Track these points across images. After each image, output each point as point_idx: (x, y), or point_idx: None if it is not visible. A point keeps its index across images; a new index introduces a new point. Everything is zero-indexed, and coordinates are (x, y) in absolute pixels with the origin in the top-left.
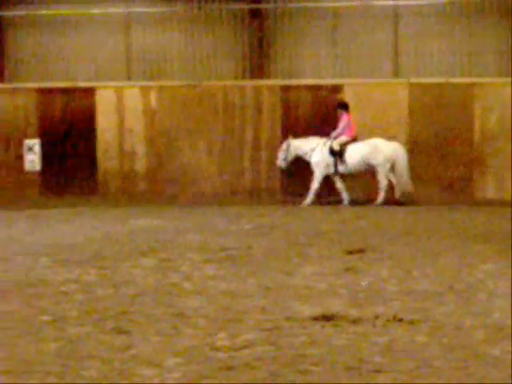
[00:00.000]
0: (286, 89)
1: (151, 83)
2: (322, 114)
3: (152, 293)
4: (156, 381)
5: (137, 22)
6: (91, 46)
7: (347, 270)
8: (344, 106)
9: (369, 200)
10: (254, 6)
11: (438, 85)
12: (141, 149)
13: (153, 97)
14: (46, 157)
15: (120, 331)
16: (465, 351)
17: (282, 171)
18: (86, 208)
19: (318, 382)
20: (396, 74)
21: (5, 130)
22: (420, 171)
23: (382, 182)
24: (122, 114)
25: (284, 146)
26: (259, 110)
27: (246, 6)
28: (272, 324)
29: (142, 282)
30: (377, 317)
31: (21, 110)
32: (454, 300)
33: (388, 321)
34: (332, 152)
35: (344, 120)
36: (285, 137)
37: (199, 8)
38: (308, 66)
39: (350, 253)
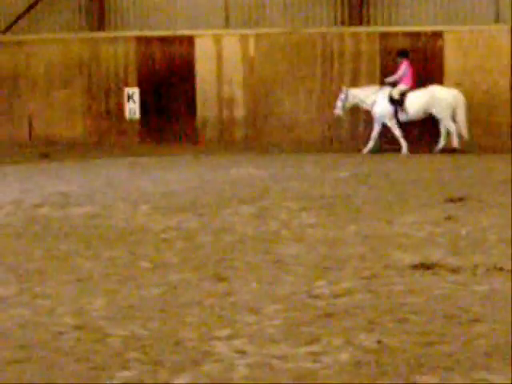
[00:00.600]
0: (384, 36)
1: (249, 31)
2: (422, 61)
3: (251, 240)
4: (255, 327)
5: None
6: None
7: (447, 218)
8: (404, 54)
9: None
10: None
11: None
12: (239, 97)
13: (251, 44)
14: (145, 105)
15: (220, 278)
16: None
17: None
18: (185, 156)
19: (416, 330)
20: (497, 20)
21: (105, 79)
22: None
23: (451, 128)
24: (220, 62)
25: (342, 94)
26: (358, 58)
27: None
28: (371, 272)
29: (241, 229)
30: (476, 266)
31: (121, 59)
32: None
33: (488, 270)
34: (392, 100)
35: (402, 68)
36: (384, 85)
37: None
38: (407, 12)
39: (450, 201)
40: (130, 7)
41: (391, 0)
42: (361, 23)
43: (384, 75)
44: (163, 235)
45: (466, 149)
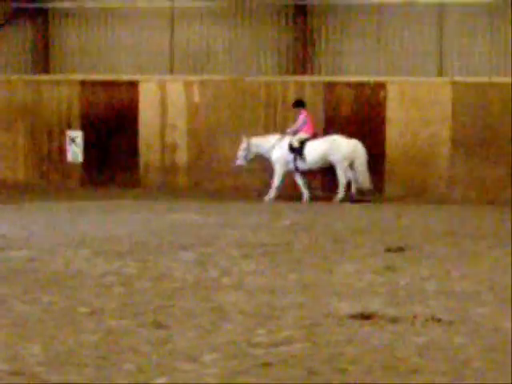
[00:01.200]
0: (329, 85)
1: (194, 77)
2: (365, 112)
3: (191, 287)
4: (193, 375)
5: (181, 16)
6: (135, 39)
7: (386, 268)
8: (301, 104)
9: (329, 197)
10: (299, 1)
11: (482, 84)
12: (183, 142)
13: (195, 90)
14: (88, 148)
15: (158, 325)
16: (503, 353)
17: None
18: (127, 200)
19: (354, 381)
20: (440, 72)
21: (48, 121)
22: (460, 170)
23: (341, 179)
24: (164, 108)
25: (244, 144)
26: None
27: (291, 2)
28: (310, 321)
29: (181, 276)
30: (415, 316)
31: (64, 102)
32: (493, 301)
33: (426, 321)
34: (291, 149)
35: (301, 117)
36: (327, 134)
37: (244, 3)
38: (352, 62)
39: (389, 251)
40: (75, 51)
41: (336, 50)
42: (305, 73)
43: (328, 124)
44: (102, 280)
45: (368, 198)
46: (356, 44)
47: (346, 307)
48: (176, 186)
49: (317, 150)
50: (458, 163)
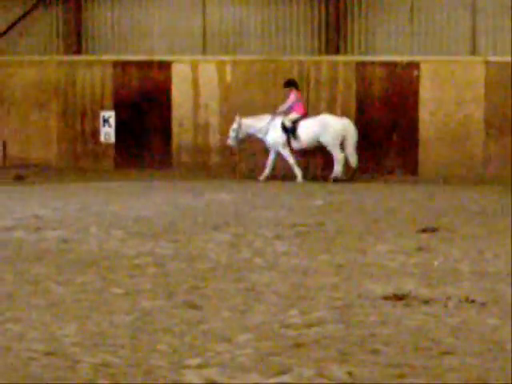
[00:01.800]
0: (361, 65)
1: (226, 57)
2: (398, 91)
3: (224, 268)
4: (226, 356)
5: None
6: (168, 19)
7: (419, 249)
8: (292, 84)
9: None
10: None
11: None
12: (215, 123)
13: (228, 71)
14: (121, 129)
15: (192, 306)
16: None
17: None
18: (159, 181)
19: (387, 362)
20: (473, 51)
21: (82, 102)
22: (494, 149)
23: (337, 156)
24: (197, 88)
25: (235, 124)
26: (334, 86)
27: None
28: (343, 302)
29: (215, 256)
30: (448, 297)
31: (97, 83)
32: None
33: (460, 302)
34: (284, 129)
35: (292, 97)
36: (360, 114)
37: None
38: (384, 42)
39: (423, 231)
40: (108, 31)
41: (368, 30)
42: (338, 52)
43: (360, 103)
44: (136, 261)
45: (351, 177)
46: (389, 23)
47: (378, 288)
48: (209, 166)
49: (309, 129)
50: (491, 143)
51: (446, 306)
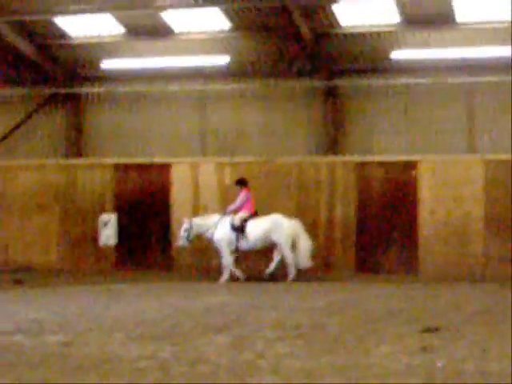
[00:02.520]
0: (360, 165)
1: (226, 159)
2: (397, 191)
3: (226, 371)
4: None
5: (212, 99)
6: (167, 122)
7: (423, 349)
8: (242, 183)
9: (274, 277)
10: (329, 83)
11: None
12: None
13: (227, 173)
14: (121, 231)
15: None
16: None
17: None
18: (160, 283)
19: None
20: (471, 149)
21: (82, 205)
22: (494, 247)
23: (288, 258)
24: (196, 190)
25: (186, 225)
26: (334, 187)
27: (321, 83)
28: None
29: (216, 359)
30: None
31: (98, 185)
32: None
33: None
34: (233, 228)
35: (242, 196)
36: (360, 214)
37: (274, 85)
38: (382, 141)
39: (425, 331)
40: (108, 135)
41: (366, 130)
42: (336, 153)
43: (361, 204)
44: (137, 364)
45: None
46: (386, 123)
47: None
48: (209, 267)
49: (259, 227)
50: (491, 240)
51: None
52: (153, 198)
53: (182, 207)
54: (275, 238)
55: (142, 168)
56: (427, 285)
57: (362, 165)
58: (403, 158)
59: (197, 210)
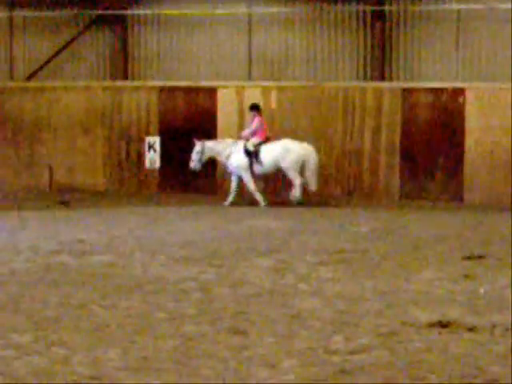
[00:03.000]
0: (407, 91)
1: (272, 83)
2: (443, 118)
3: (268, 293)
4: (270, 382)
5: (259, 22)
6: (213, 45)
7: (465, 276)
8: (256, 108)
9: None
10: (378, 7)
11: None
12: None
13: (273, 97)
14: (165, 154)
15: (236, 331)
16: None
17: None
18: (204, 206)
19: None
20: None
21: (127, 127)
22: None
23: (296, 180)
24: (242, 114)
25: (198, 147)
26: (379, 113)
27: (369, 8)
28: (388, 329)
29: (259, 282)
30: (494, 325)
31: (143, 108)
32: None
33: (506, 330)
34: (247, 153)
35: (256, 121)
36: (405, 140)
37: (321, 9)
38: (430, 68)
39: (468, 258)
40: (154, 57)
41: (413, 56)
42: (383, 79)
43: (405, 130)
44: (180, 286)
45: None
46: (434, 49)
47: (423, 315)
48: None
49: (271, 153)
50: None
51: (491, 333)
52: (198, 121)
53: (227, 131)
54: (283, 164)
55: (187, 91)
56: (472, 213)
57: (409, 91)
58: (451, 84)
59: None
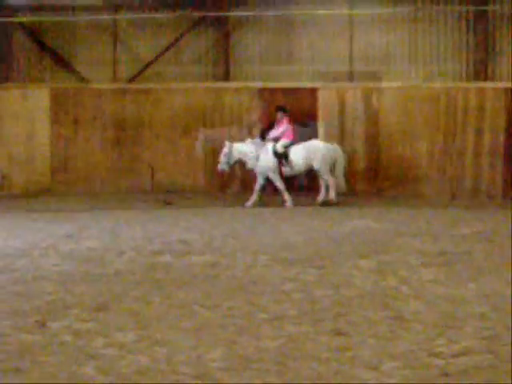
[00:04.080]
0: (510, 91)
1: (373, 84)
2: None
3: (370, 295)
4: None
5: (360, 23)
6: (314, 46)
7: None
8: (283, 110)
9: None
10: (480, 6)
11: None
12: (361, 149)
13: (374, 98)
14: None
15: (338, 332)
16: None
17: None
18: (304, 207)
19: None
20: None
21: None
22: None
23: (329, 181)
24: (343, 115)
25: (226, 149)
26: (482, 113)
27: (471, 8)
28: (491, 332)
29: (361, 283)
30: None
31: (244, 109)
32: None
33: None
34: (276, 154)
35: (284, 123)
36: (509, 141)
37: (423, 9)
38: None
39: None
40: (255, 59)
41: None
42: (486, 79)
43: (509, 132)
44: (282, 287)
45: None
46: None
47: None
48: (354, 192)
49: (300, 154)
50: None
51: None
52: (298, 123)
53: (329, 132)
54: (314, 164)
55: (288, 92)
56: None
57: None
58: None
59: (343, 136)
